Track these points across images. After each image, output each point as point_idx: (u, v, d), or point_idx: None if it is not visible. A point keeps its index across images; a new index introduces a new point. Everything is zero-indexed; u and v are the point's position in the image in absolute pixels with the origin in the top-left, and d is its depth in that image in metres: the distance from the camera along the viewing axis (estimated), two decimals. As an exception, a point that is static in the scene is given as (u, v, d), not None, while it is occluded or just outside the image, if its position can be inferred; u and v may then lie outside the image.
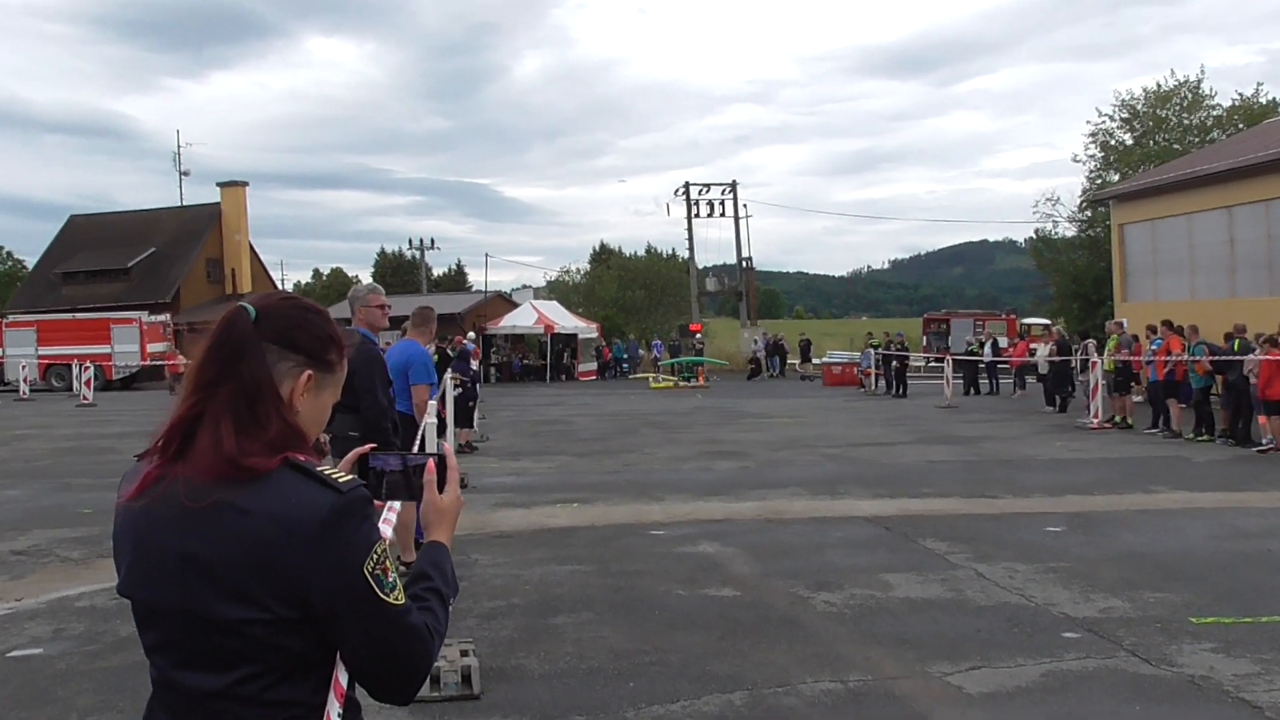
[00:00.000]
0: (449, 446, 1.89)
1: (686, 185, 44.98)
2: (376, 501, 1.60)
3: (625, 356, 40.89)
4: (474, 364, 16.04)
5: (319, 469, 1.50)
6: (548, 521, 8.90)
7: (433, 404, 7.05)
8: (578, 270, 59.92)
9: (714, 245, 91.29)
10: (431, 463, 1.69)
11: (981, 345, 27.74)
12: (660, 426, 18.14)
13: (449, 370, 12.53)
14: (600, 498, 10.13)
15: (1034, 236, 43.34)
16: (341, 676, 1.50)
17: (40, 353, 34.39)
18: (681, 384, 31.80)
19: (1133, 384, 17.72)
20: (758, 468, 12.41)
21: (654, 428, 17.92)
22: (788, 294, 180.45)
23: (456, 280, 74.90)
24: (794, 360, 39.01)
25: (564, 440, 15.95)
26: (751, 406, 23.07)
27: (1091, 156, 39.11)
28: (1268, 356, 13.50)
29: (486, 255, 59.61)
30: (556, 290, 55.21)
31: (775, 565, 7.17)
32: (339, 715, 1.50)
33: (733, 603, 6.22)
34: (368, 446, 1.73)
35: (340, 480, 1.49)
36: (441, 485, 1.70)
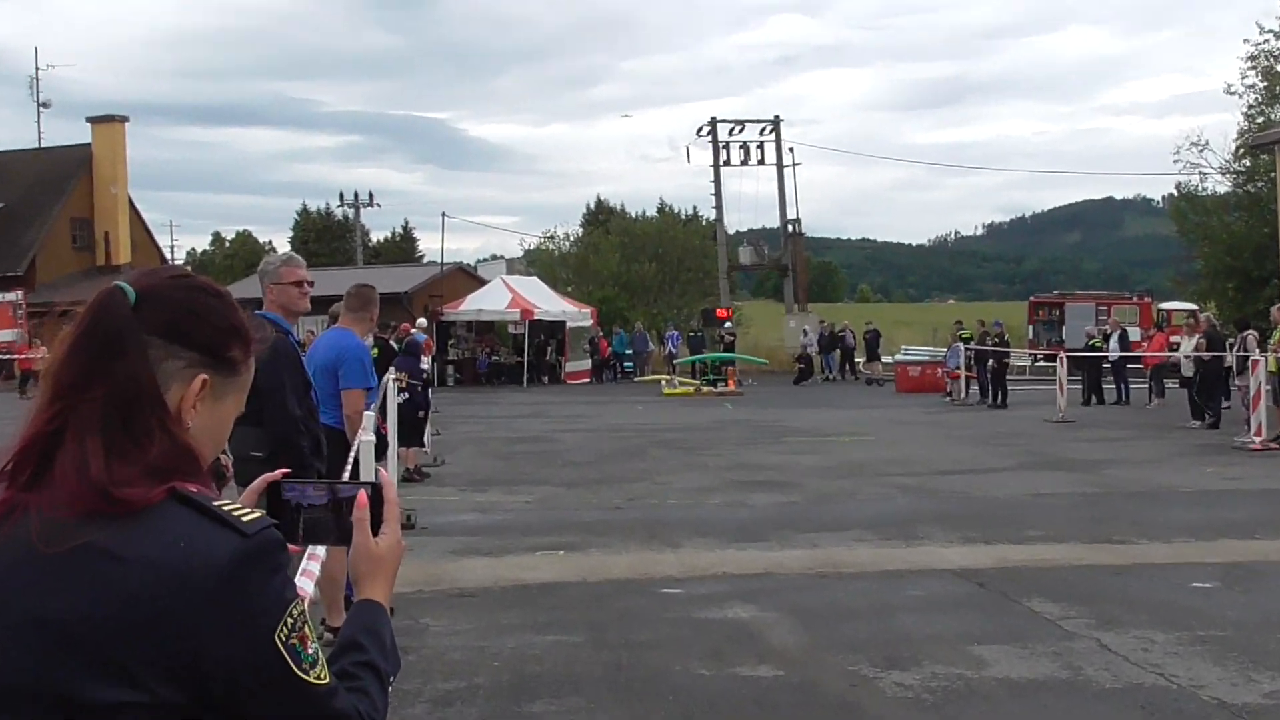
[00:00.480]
0: (386, 475, 1.86)
1: (713, 122, 45.19)
2: (292, 546, 1.62)
3: (629, 352, 40.98)
4: (425, 361, 16.14)
5: (216, 503, 1.51)
6: (524, 575, 8.99)
7: (370, 415, 7.12)
8: (566, 236, 59.08)
9: (750, 203, 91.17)
10: (364, 494, 1.71)
11: (1106, 338, 27.87)
12: (676, 446, 18.33)
13: (391, 369, 12.58)
14: (595, 543, 10.23)
15: (1175, 193, 43.29)
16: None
17: None
18: (705, 389, 32.02)
19: (1308, 391, 17.67)
20: (808, 503, 12.57)
21: (668, 448, 18.12)
22: (849, 269, 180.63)
23: (403, 248, 75.35)
24: (859, 358, 39.09)
25: (546, 464, 16.10)
26: (799, 420, 23.25)
27: (1251, 87, 39.12)
28: None
29: (444, 215, 58.33)
30: (538, 262, 55.08)
31: (830, 634, 7.25)
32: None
33: (773, 685, 6.24)
34: (279, 472, 1.75)
35: (244, 518, 1.51)
36: (377, 525, 1.71)
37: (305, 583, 4.36)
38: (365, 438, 6.78)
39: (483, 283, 40.86)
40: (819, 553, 9.76)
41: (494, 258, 50.40)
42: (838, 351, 39.15)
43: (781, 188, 45.19)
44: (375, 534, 1.71)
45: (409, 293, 37.92)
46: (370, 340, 8.96)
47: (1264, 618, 7.48)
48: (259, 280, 6.17)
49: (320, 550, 4.65)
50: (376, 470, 6.36)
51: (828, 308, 66.78)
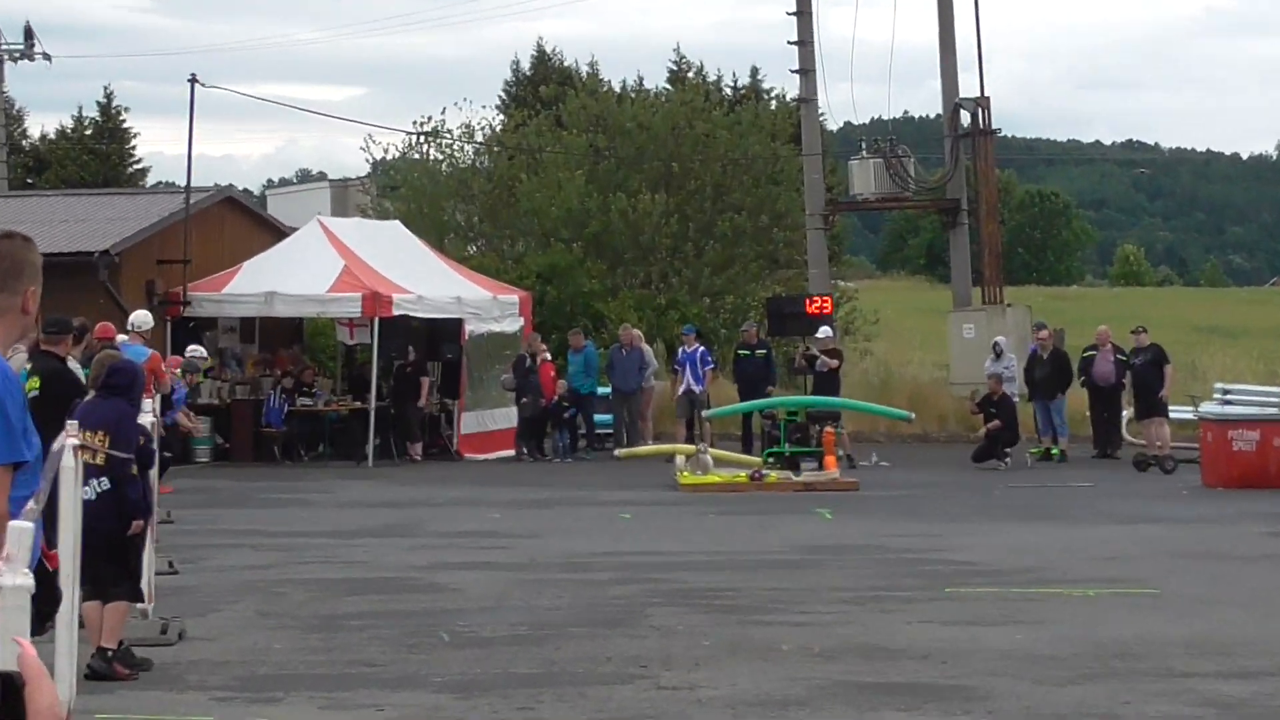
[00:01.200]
0: (31, 655, 1.75)
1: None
2: None
3: (605, 391, 31.19)
4: (149, 406, 13.70)
5: None
6: None
7: (21, 525, 5.45)
8: (467, 130, 44.92)
9: (873, 65, 71.51)
10: None
11: None
12: (709, 604, 14.66)
13: (72, 424, 9.50)
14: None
15: None
16: None
17: None
18: (772, 476, 25.63)
19: None
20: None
21: (690, 606, 14.52)
22: (1099, 210, 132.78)
23: (102, 155, 60.33)
24: (1125, 410, 29.23)
25: (415, 643, 12.97)
26: (981, 546, 19.16)
27: None
28: None
29: (193, 79, 32.05)
30: (406, 188, 43.66)
31: None
32: None
33: None
34: None
35: None
36: None
37: None
38: (8, 580, 5.02)
39: (283, 234, 32.07)
40: None
41: (308, 177, 43.11)
42: (1072, 392, 29.63)
43: (947, 30, 34.75)
44: None
45: (114, 253, 29.01)
46: (23, 359, 8.70)
47: None
48: None
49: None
50: (18, 648, 4.77)
51: (1050, 295, 52.99)
